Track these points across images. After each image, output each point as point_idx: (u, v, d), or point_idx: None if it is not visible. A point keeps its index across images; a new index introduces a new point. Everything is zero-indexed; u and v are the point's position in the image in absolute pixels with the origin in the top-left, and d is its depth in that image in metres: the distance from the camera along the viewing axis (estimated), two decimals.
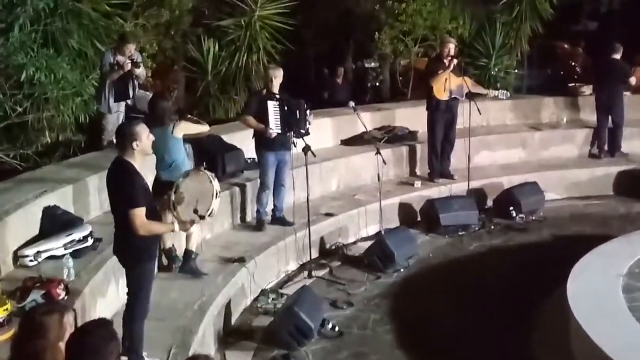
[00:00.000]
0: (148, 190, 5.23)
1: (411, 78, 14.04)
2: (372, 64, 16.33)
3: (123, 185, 5.03)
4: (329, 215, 9.15)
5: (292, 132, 8.22)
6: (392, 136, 11.12)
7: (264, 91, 8.39)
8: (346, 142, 11.14)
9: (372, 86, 16.37)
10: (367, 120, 10.37)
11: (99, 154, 8.55)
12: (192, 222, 5.47)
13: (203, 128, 7.66)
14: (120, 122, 8.87)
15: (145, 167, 5.55)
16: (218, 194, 5.50)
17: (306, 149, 7.90)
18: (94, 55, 9.50)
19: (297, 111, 8.28)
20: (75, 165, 8.12)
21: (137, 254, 5.17)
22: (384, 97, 14.91)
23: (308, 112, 8.42)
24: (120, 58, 8.66)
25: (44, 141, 9.05)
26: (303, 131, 8.23)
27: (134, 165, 5.08)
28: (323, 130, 10.95)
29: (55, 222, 6.60)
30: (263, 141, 8.31)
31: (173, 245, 7.25)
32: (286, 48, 12.19)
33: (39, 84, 8.40)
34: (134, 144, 5.05)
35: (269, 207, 8.63)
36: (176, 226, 5.36)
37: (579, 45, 15.05)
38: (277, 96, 8.32)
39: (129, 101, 8.93)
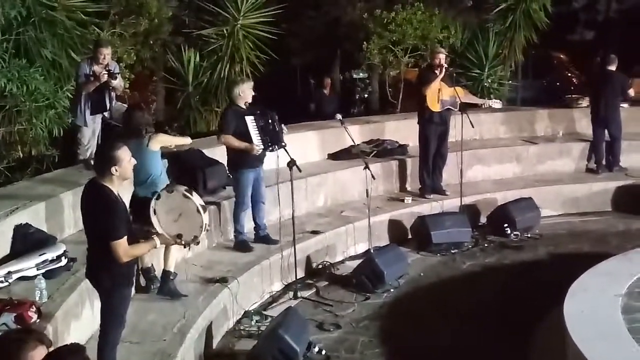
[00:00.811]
0: (127, 214, 5.15)
1: (401, 89, 14.12)
2: (361, 75, 16.45)
3: (103, 215, 4.89)
4: (315, 232, 9.15)
5: (275, 146, 8.22)
6: (382, 150, 11.16)
7: (244, 104, 8.33)
8: (333, 157, 11.17)
9: (361, 98, 16.49)
10: (355, 133, 10.40)
11: (73, 170, 8.52)
12: (175, 239, 5.40)
13: (183, 140, 7.63)
14: (96, 135, 8.86)
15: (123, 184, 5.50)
16: (207, 227, 5.46)
17: (291, 163, 7.89)
18: (68, 65, 9.51)
19: (275, 123, 8.31)
20: (48, 181, 8.09)
21: (115, 280, 5.06)
22: (373, 109, 15.01)
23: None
24: (96, 68, 8.65)
25: (16, 156, 9.04)
26: (284, 143, 8.24)
27: (112, 190, 4.96)
28: (309, 143, 10.99)
29: (27, 241, 6.55)
30: (244, 159, 8.27)
31: (152, 264, 7.22)
32: (270, 58, 12.24)
33: (10, 96, 8.41)
34: (113, 169, 4.93)
35: (249, 226, 8.63)
36: (157, 241, 5.27)
37: (597, 55, 15.11)
38: (247, 110, 8.31)
39: (106, 114, 8.92)
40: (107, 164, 4.94)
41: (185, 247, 5.48)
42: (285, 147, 8.15)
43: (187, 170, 8.77)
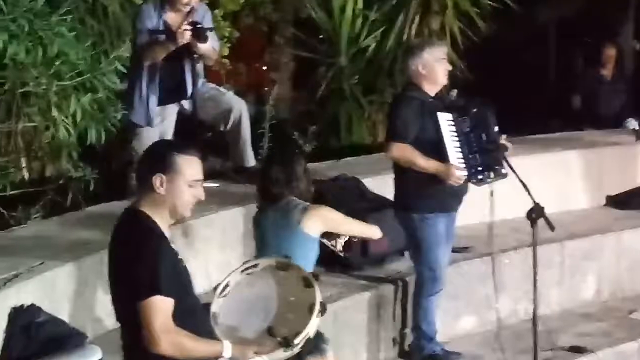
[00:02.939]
0: (183, 271, 5.27)
1: None
2: None
3: (134, 258, 5.05)
4: (577, 350, 9.12)
5: (490, 173, 8.28)
6: None
7: (432, 90, 8.38)
8: (617, 202, 11.19)
9: None
10: None
11: (121, 206, 8.74)
12: (266, 351, 5.45)
13: (365, 230, 7.69)
14: None
15: None
16: (320, 309, 5.49)
17: (536, 213, 7.82)
18: (120, 11, 9.82)
19: (491, 129, 8.33)
20: (74, 225, 8.41)
21: None
22: None
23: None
24: (171, 17, 8.91)
25: (18, 177, 9.34)
26: (505, 171, 8.24)
27: (155, 222, 5.13)
28: (569, 174, 11.00)
29: (33, 340, 6.74)
30: (431, 192, 8.35)
31: None
32: (500, 7, 12.27)
33: (13, 66, 8.71)
34: (156, 181, 5.08)
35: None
36: (227, 350, 5.30)
37: None
38: (438, 101, 8.39)
39: (185, 104, 9.17)
40: (148, 170, 5.13)
41: (286, 349, 5.52)
42: (504, 175, 8.22)
43: None
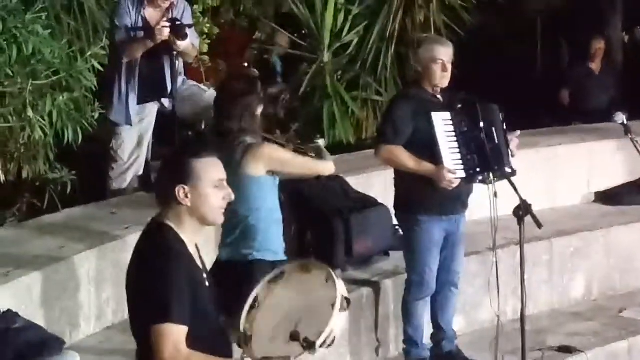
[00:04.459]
0: (203, 294, 5.09)
1: None
2: None
3: (148, 279, 4.91)
4: (566, 350, 9.10)
5: (489, 173, 8.18)
6: None
7: (431, 88, 8.28)
8: (607, 198, 11.19)
9: None
10: None
11: (99, 209, 8.79)
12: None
13: (318, 167, 7.58)
14: (146, 144, 9.19)
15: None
16: (344, 303, 5.43)
17: (523, 209, 7.81)
18: (96, 8, 9.77)
19: (492, 128, 8.25)
20: (51, 229, 8.35)
21: None
22: None
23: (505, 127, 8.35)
24: (149, 13, 8.87)
25: None
26: (509, 170, 8.19)
27: (178, 234, 4.99)
28: (558, 170, 11.00)
29: (11, 345, 6.69)
30: (426, 195, 8.25)
31: None
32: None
33: None
34: (180, 192, 4.95)
35: (427, 331, 8.67)
36: None
37: None
38: (437, 99, 8.31)
39: (165, 102, 9.19)
40: (169, 183, 5.01)
41: (308, 351, 5.47)
42: (511, 174, 8.14)
43: (316, 218, 8.84)
